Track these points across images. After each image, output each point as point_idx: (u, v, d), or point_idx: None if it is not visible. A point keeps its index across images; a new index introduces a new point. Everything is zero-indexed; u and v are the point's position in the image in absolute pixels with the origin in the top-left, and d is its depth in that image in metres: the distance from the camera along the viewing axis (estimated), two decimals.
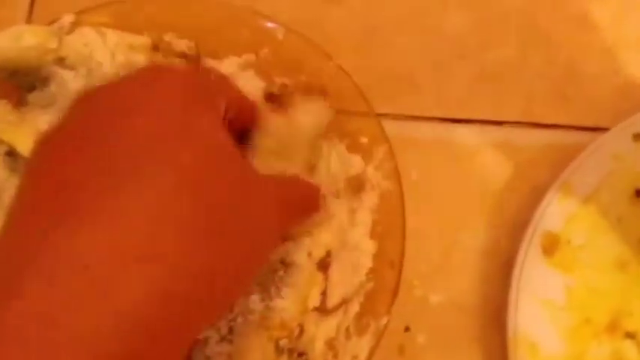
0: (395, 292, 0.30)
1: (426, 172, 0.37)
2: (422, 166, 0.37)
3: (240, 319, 0.30)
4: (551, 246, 0.33)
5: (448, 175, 0.37)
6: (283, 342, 0.31)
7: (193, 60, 0.36)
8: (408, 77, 0.39)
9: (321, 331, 0.31)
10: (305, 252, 0.33)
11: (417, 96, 0.39)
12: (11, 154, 0.33)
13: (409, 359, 0.34)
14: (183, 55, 0.36)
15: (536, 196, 0.35)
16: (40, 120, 0.32)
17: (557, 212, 0.33)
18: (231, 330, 0.30)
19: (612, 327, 0.32)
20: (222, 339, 0.30)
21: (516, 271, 0.32)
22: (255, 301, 0.31)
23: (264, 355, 0.30)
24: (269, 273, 0.31)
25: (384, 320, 0.30)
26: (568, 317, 0.32)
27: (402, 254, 0.31)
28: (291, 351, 0.31)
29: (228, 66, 0.35)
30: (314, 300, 0.32)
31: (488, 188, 0.37)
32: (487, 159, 0.37)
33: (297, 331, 0.31)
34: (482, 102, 0.39)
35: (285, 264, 0.32)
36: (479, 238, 0.36)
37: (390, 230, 0.31)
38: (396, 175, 0.32)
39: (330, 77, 0.34)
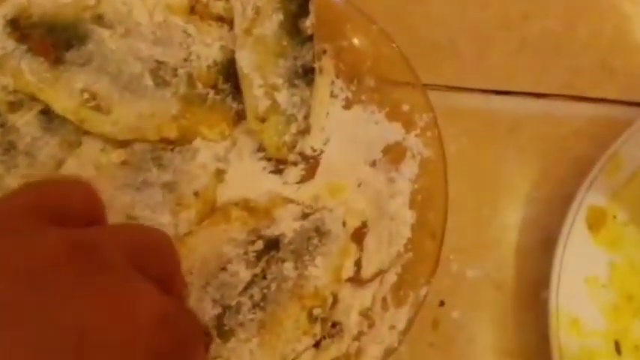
0: (436, 263, 0.29)
1: (465, 143, 0.36)
2: (461, 137, 0.36)
3: (273, 287, 0.30)
4: (596, 221, 0.32)
5: (488, 147, 0.36)
6: (317, 311, 0.30)
7: (229, 23, 0.35)
8: (448, 47, 0.38)
9: (356, 301, 0.31)
10: (340, 221, 0.32)
11: (457, 66, 0.38)
12: (46, 112, 0.32)
13: (443, 334, 0.34)
14: (219, 18, 0.35)
15: (578, 171, 0.34)
16: (77, 79, 0.32)
17: (603, 186, 0.32)
18: (264, 297, 0.30)
19: None
20: (255, 306, 0.30)
21: (559, 247, 0.31)
22: (288, 268, 0.30)
23: (297, 324, 0.30)
24: (303, 241, 0.31)
25: (423, 291, 0.29)
26: (610, 294, 0.31)
27: (444, 225, 0.30)
28: (324, 320, 0.30)
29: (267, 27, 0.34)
30: (348, 270, 0.32)
31: (529, 162, 0.36)
32: (528, 132, 0.36)
33: (330, 301, 0.31)
34: (525, 73, 0.37)
35: (320, 232, 0.32)
36: (518, 213, 0.35)
37: (431, 200, 0.31)
38: (439, 143, 0.31)
39: (372, 42, 0.33)
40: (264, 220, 0.32)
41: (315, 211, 0.32)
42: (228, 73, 0.35)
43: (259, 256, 0.30)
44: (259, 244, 0.31)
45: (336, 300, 0.31)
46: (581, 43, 0.37)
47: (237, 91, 0.34)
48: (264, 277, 0.30)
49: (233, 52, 0.34)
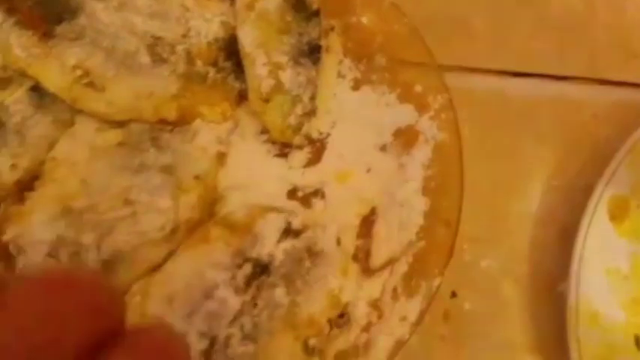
0: (450, 253, 0.28)
1: (479, 127, 0.34)
2: (475, 121, 0.34)
3: (265, 315, 0.27)
4: (619, 211, 0.30)
5: (503, 131, 0.34)
6: (312, 341, 0.27)
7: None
8: (462, 25, 0.36)
9: (364, 291, 0.29)
10: (333, 239, 0.29)
11: (472, 46, 0.36)
12: (36, 89, 0.30)
13: (454, 326, 0.32)
14: None
15: (599, 158, 0.32)
16: (69, 54, 0.30)
17: (627, 174, 0.30)
18: (256, 326, 0.27)
19: None
20: (246, 337, 0.26)
21: (580, 238, 0.29)
22: (280, 295, 0.27)
23: (292, 357, 0.27)
24: (294, 263, 0.28)
25: (436, 282, 0.28)
26: (632, 286, 0.30)
27: (459, 213, 0.28)
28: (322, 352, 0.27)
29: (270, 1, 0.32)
30: (349, 292, 0.28)
31: (547, 148, 0.34)
32: (547, 116, 0.34)
33: (328, 330, 0.28)
34: (543, 55, 0.35)
35: (312, 253, 0.29)
36: (534, 202, 0.33)
37: (446, 186, 0.29)
38: (455, 127, 0.29)
39: (382, 19, 0.31)
40: (246, 237, 0.28)
41: (306, 229, 0.29)
42: (230, 51, 0.33)
43: (248, 281, 0.27)
44: (248, 268, 0.27)
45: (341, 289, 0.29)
46: (602, 24, 0.35)
47: (239, 69, 0.32)
48: (255, 305, 0.27)
49: (234, 28, 0.32)
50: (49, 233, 0.27)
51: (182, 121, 0.32)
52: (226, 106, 0.32)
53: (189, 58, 0.32)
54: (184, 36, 0.32)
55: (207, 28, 0.32)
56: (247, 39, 0.32)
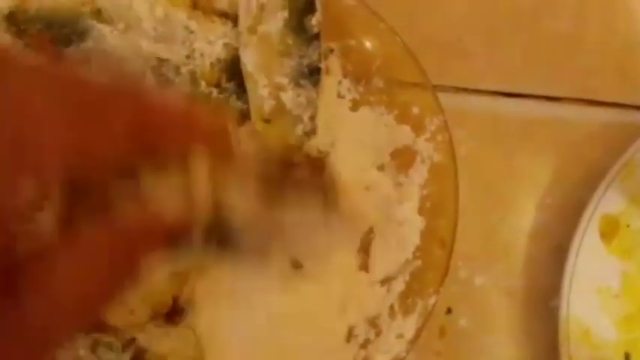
0: (445, 271, 0.29)
1: (474, 147, 0.35)
2: (470, 141, 0.35)
3: None
4: (610, 230, 0.31)
5: (498, 151, 0.35)
6: None
7: (234, 20, 0.34)
8: (457, 46, 0.37)
9: (363, 308, 0.30)
10: None
11: (466, 67, 0.37)
12: None
13: (450, 343, 0.33)
14: (223, 14, 0.34)
15: (591, 177, 0.33)
16: None
17: (617, 194, 0.31)
18: None
19: None
20: None
21: (571, 256, 0.30)
22: None
23: None
24: None
25: (432, 300, 0.28)
26: (623, 305, 0.31)
27: (454, 232, 0.29)
28: None
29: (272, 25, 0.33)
30: None
31: (540, 167, 0.35)
32: (540, 136, 0.35)
33: None
34: (537, 76, 0.36)
35: None
36: (528, 220, 0.34)
37: (441, 206, 0.30)
38: (450, 148, 0.30)
39: (381, 42, 0.32)
40: None
41: None
42: (232, 72, 0.34)
43: None
44: None
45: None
46: (594, 45, 0.36)
47: (241, 90, 0.33)
48: None
49: (237, 49, 0.33)
50: None
51: None
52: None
53: (194, 79, 0.33)
54: (188, 57, 0.33)
55: (211, 49, 0.33)
56: (249, 61, 0.33)
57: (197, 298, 0.31)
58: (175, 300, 0.30)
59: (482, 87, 0.36)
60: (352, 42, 0.33)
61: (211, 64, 0.33)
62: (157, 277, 0.30)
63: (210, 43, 0.34)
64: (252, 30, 0.33)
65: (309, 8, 0.32)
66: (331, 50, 0.35)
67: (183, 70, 0.33)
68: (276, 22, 0.32)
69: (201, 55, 0.33)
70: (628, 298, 0.31)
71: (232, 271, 0.32)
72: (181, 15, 0.33)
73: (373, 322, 0.29)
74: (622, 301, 0.31)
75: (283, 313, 0.31)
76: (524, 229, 0.34)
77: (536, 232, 0.34)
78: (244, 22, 0.32)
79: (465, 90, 0.36)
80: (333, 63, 0.34)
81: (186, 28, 0.33)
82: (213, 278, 0.31)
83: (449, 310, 0.33)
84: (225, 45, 0.34)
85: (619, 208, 0.31)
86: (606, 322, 0.30)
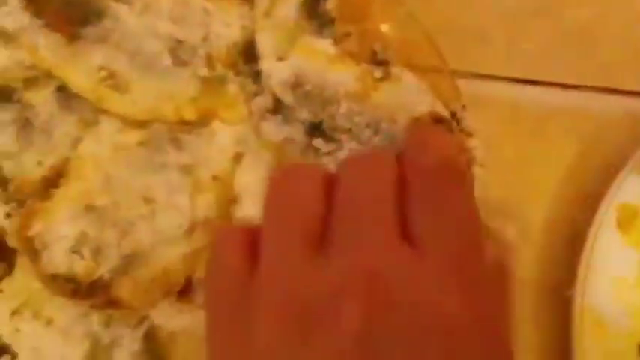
0: None
1: (490, 135, 0.34)
2: (486, 128, 0.35)
3: None
4: (627, 220, 0.30)
5: (514, 140, 0.35)
6: None
7: (250, 2, 0.34)
8: (476, 31, 0.36)
9: None
10: None
11: (485, 52, 0.36)
12: (63, 89, 0.31)
13: None
14: None
15: (610, 167, 0.33)
16: (94, 56, 0.31)
17: (636, 184, 0.31)
18: None
19: None
20: None
21: (588, 246, 0.30)
22: None
23: None
24: None
25: None
26: (638, 295, 0.30)
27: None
28: None
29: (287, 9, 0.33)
30: None
31: (558, 156, 0.35)
32: (558, 125, 0.35)
33: None
34: (556, 63, 0.36)
35: None
36: (544, 209, 0.34)
37: None
38: (467, 135, 0.30)
39: (398, 26, 0.32)
40: None
41: None
42: (248, 55, 0.34)
43: None
44: None
45: None
46: (616, 34, 0.36)
47: (256, 73, 0.33)
48: None
49: (254, 32, 0.33)
50: (73, 229, 0.28)
51: (201, 122, 0.33)
52: (244, 108, 0.33)
53: (210, 61, 0.33)
54: (205, 39, 0.33)
55: (228, 32, 0.33)
56: (265, 45, 0.33)
57: None
58: (189, 279, 0.31)
59: (501, 73, 0.36)
60: (370, 26, 0.33)
61: (227, 47, 0.33)
62: (172, 255, 0.30)
63: (227, 26, 0.33)
64: (267, 14, 0.32)
65: None
66: (349, 34, 0.34)
67: (200, 52, 0.33)
68: (291, 6, 0.32)
69: (218, 37, 0.33)
70: None
71: None
72: None
73: None
74: (637, 292, 0.30)
75: None
76: (540, 219, 0.34)
77: (552, 222, 0.34)
78: (260, 5, 0.32)
79: (483, 76, 0.36)
80: (352, 47, 0.34)
81: (204, 9, 0.33)
82: None
83: None
84: (243, 28, 0.34)
85: (637, 199, 0.31)
86: (620, 313, 0.30)
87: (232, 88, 0.33)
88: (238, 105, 0.33)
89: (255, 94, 0.34)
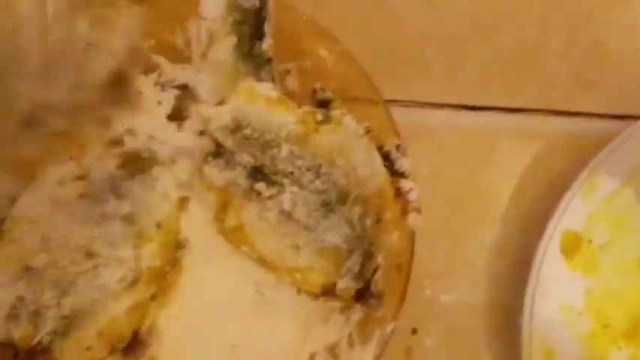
0: (402, 298, 0.28)
1: (436, 163, 0.35)
2: (433, 156, 0.35)
3: None
4: (571, 247, 0.30)
5: (460, 166, 0.35)
6: None
7: None
8: (417, 59, 0.36)
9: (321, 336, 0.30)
10: None
11: (427, 80, 0.36)
12: None
13: None
14: None
15: (555, 191, 0.33)
16: None
17: (579, 209, 0.31)
18: None
19: (632, 332, 0.30)
20: None
21: (533, 274, 0.30)
22: None
23: None
24: None
25: (389, 327, 0.28)
26: (587, 322, 0.30)
27: (412, 255, 0.29)
28: None
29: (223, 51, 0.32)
30: None
31: (503, 181, 0.35)
32: (502, 149, 0.35)
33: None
34: (498, 87, 0.36)
35: None
36: (493, 234, 0.34)
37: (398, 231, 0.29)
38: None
39: (336, 62, 0.32)
40: None
41: None
42: None
43: None
44: None
45: None
46: (555, 55, 0.36)
47: None
48: None
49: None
50: (9, 295, 0.27)
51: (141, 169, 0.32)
52: None
53: None
54: None
55: None
56: (204, 86, 0.32)
57: (159, 330, 0.31)
58: (136, 333, 0.30)
59: (443, 101, 0.36)
60: (308, 63, 0.33)
61: None
62: (116, 310, 0.30)
63: None
64: (204, 56, 0.32)
65: (257, 34, 0.31)
66: (288, 71, 0.34)
67: None
68: (226, 48, 0.31)
69: None
70: (592, 316, 0.30)
71: (196, 302, 0.32)
72: None
73: (332, 351, 0.29)
74: (586, 319, 0.30)
75: (247, 342, 0.30)
76: (488, 245, 0.34)
77: (500, 247, 0.34)
78: (196, 49, 0.32)
79: (426, 104, 0.36)
80: (291, 83, 0.34)
81: None
82: (176, 309, 0.31)
83: (414, 330, 0.33)
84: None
85: (580, 224, 0.31)
86: (571, 341, 0.30)
87: None
88: None
89: None
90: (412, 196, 0.27)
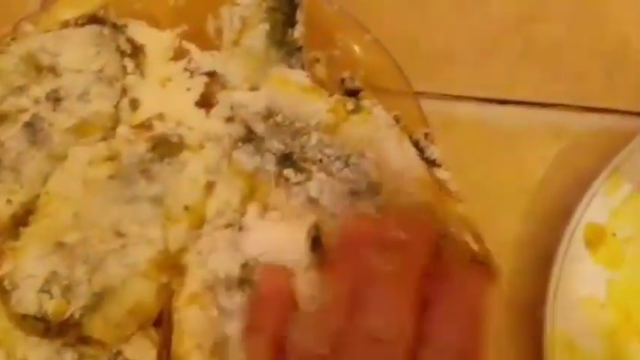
0: None
1: (462, 155, 0.35)
2: (458, 148, 0.35)
3: None
4: (595, 239, 0.31)
5: (485, 159, 0.35)
6: None
7: None
8: (446, 52, 0.37)
9: None
10: None
11: (455, 73, 0.36)
12: (31, 125, 0.31)
13: None
14: None
15: (579, 185, 0.33)
16: None
17: (603, 203, 0.31)
18: None
19: None
20: None
21: (556, 266, 0.30)
22: None
23: None
24: None
25: None
26: (609, 315, 0.31)
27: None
28: None
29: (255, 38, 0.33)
30: None
31: (529, 175, 0.35)
32: (528, 143, 0.35)
33: None
34: (526, 82, 0.36)
35: None
36: (515, 228, 0.34)
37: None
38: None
39: (365, 51, 0.32)
40: None
41: None
42: None
43: None
44: None
45: None
46: (585, 51, 0.36)
47: None
48: None
49: None
50: (42, 268, 0.28)
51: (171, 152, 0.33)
52: None
53: None
54: None
55: None
56: (236, 74, 0.33)
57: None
58: (162, 311, 0.31)
59: (470, 94, 0.36)
60: (336, 52, 0.33)
61: None
62: (144, 289, 0.30)
63: None
64: (235, 43, 0.33)
65: (290, 21, 0.31)
66: (317, 60, 0.35)
67: None
68: (258, 34, 0.32)
69: None
70: (614, 308, 0.31)
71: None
72: None
73: None
74: (608, 312, 0.30)
75: None
76: (510, 238, 0.34)
77: (522, 241, 0.34)
78: (228, 35, 0.32)
79: (454, 97, 0.36)
80: (320, 72, 0.34)
81: None
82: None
83: None
84: None
85: (605, 217, 0.31)
86: (593, 333, 0.30)
87: None
88: None
89: None
90: (452, 187, 0.27)
